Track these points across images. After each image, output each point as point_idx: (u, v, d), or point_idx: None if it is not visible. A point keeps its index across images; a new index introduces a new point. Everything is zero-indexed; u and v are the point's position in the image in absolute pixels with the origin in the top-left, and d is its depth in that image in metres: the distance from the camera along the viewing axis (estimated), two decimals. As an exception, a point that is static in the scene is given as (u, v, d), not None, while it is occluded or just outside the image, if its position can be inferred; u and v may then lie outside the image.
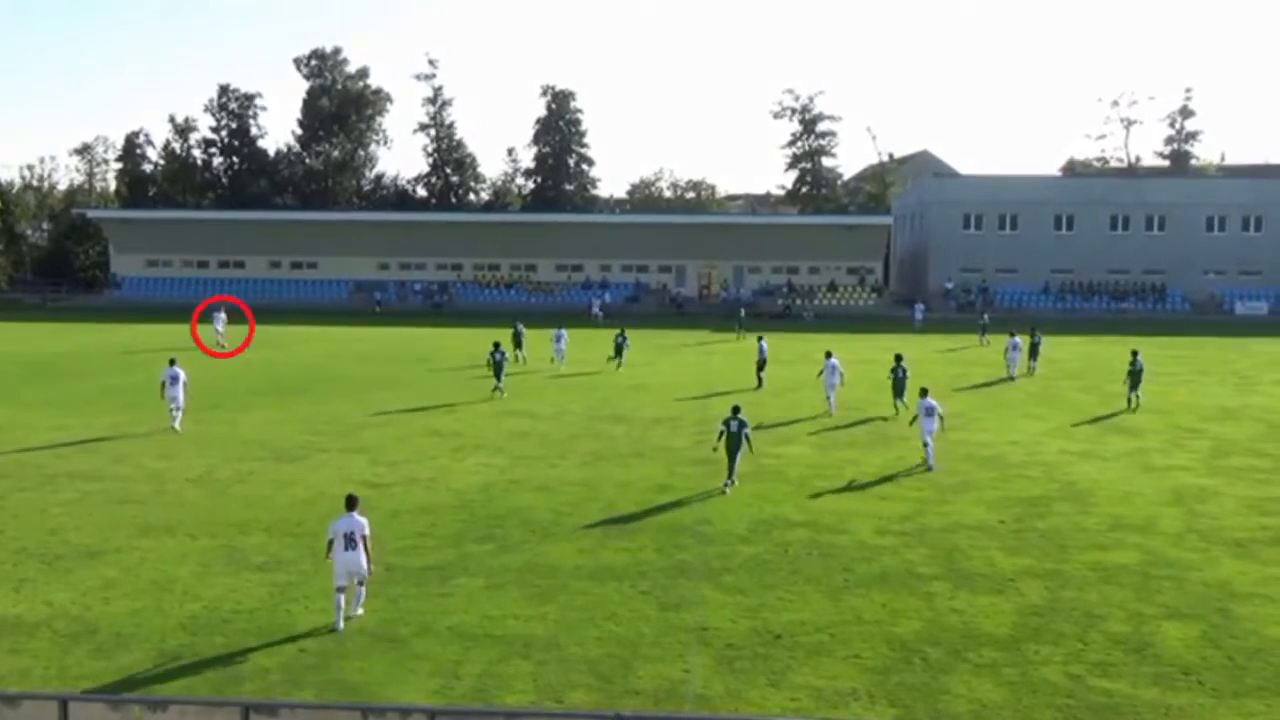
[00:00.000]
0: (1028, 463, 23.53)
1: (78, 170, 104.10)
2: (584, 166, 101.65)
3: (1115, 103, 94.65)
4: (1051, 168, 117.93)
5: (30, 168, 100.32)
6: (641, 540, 17.17)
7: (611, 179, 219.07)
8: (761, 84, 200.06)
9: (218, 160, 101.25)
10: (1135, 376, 31.02)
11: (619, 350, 40.85)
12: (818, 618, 13.78)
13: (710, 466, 22.29)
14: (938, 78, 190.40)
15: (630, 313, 72.43)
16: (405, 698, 11.32)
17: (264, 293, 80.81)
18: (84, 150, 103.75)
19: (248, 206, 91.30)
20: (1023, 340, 39.33)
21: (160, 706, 8.35)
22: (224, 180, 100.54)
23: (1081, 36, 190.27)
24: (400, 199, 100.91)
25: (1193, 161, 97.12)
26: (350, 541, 13.34)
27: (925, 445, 22.87)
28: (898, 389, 29.54)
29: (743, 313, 60.79)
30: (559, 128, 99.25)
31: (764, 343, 37.30)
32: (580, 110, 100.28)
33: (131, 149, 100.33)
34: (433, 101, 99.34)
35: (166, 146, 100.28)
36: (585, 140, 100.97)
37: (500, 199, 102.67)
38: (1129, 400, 31.10)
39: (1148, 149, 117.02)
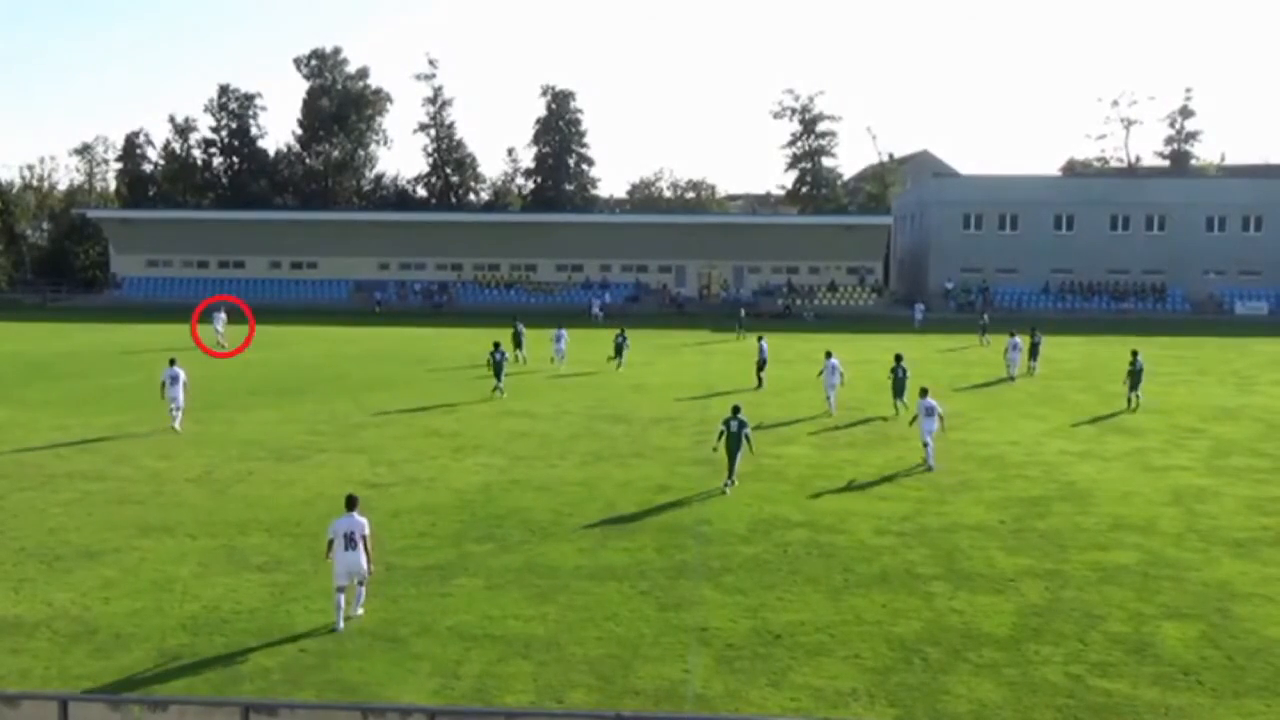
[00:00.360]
0: (1028, 463, 23.53)
1: (78, 170, 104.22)
2: (584, 166, 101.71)
3: (1115, 103, 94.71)
4: (1051, 168, 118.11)
5: (30, 168, 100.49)
6: (641, 540, 17.17)
7: (611, 179, 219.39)
8: (761, 84, 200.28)
9: (218, 160, 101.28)
10: (1135, 376, 31.05)
11: (619, 350, 40.91)
12: (818, 618, 13.78)
13: (710, 467, 22.30)
14: (938, 78, 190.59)
15: (630, 313, 72.45)
16: (405, 698, 11.32)
17: (264, 293, 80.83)
18: (84, 150, 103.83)
19: (248, 206, 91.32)
20: (1023, 340, 39.37)
21: (160, 706, 8.35)
22: (224, 180, 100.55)
23: (1081, 37, 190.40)
24: (400, 199, 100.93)
25: (1193, 161, 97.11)
26: (350, 541, 13.34)
27: (925, 445, 22.88)
28: (898, 389, 29.58)
29: (743, 313, 60.78)
30: (559, 128, 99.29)
31: (764, 343, 37.30)
32: (580, 110, 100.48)
33: (131, 149, 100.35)
34: (433, 101, 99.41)
35: (166, 146, 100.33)
36: (585, 140, 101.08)
37: (500, 199, 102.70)
38: (1129, 400, 31.12)
39: (1148, 149, 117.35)
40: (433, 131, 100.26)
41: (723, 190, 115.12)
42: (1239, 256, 78.30)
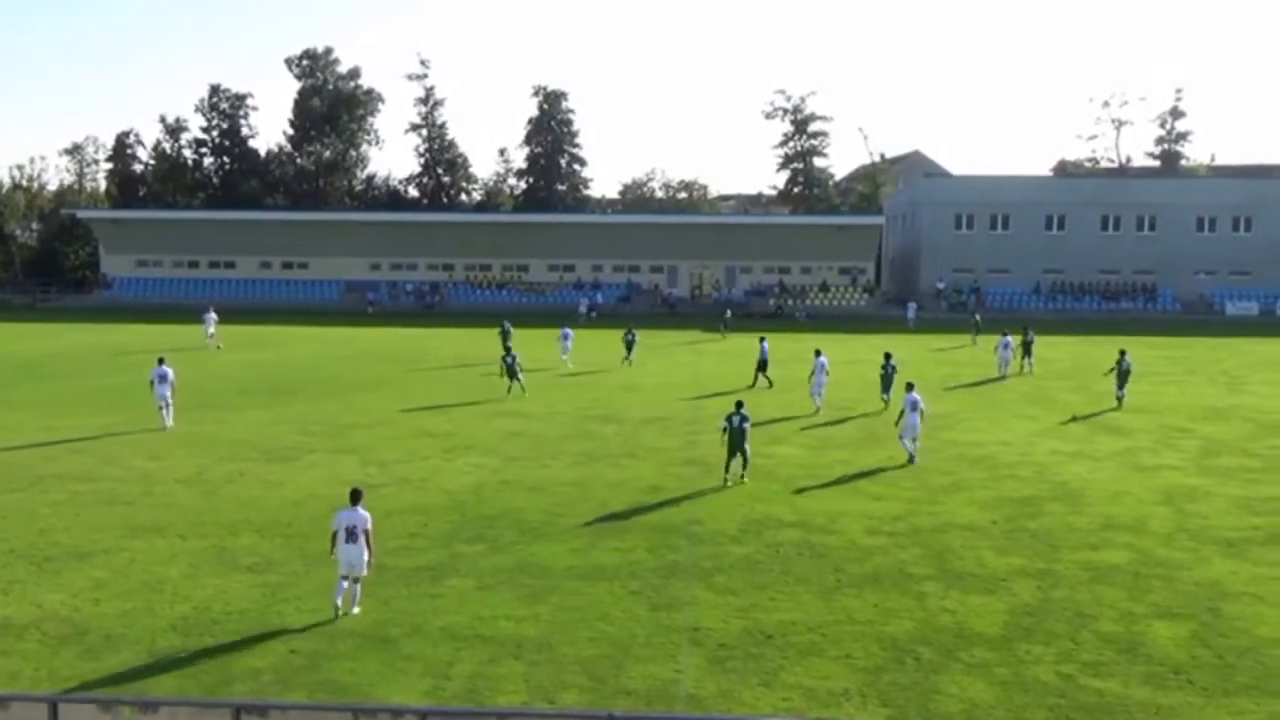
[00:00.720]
0: (1019, 463, 23.58)
1: (68, 170, 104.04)
2: (576, 167, 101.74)
3: (1106, 103, 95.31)
4: (1043, 168, 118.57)
5: (20, 168, 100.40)
6: (633, 540, 17.15)
7: (603, 179, 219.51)
8: (753, 84, 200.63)
9: (208, 160, 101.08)
10: (1123, 376, 31.31)
11: (629, 348, 42.04)
12: (809, 618, 13.77)
13: (702, 467, 22.30)
14: (929, 78, 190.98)
15: (622, 313, 72.38)
16: (396, 698, 11.29)
17: (255, 293, 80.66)
18: (74, 150, 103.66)
19: (239, 207, 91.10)
20: (1014, 339, 39.55)
21: (151, 708, 8.29)
22: (215, 180, 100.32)
23: (1072, 37, 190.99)
24: (392, 199, 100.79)
25: (1183, 162, 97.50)
26: (351, 534, 13.49)
27: (908, 440, 23.17)
28: (885, 384, 30.85)
29: (728, 313, 61.31)
30: (551, 128, 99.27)
31: (765, 343, 37.25)
32: (572, 110, 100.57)
33: (122, 149, 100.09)
34: (424, 102, 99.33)
35: (157, 146, 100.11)
36: (577, 140, 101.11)
37: (492, 199, 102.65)
38: (1118, 399, 31.33)
39: (1138, 149, 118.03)
40: (424, 132, 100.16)
41: (715, 190, 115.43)
42: (1229, 257, 78.65)
